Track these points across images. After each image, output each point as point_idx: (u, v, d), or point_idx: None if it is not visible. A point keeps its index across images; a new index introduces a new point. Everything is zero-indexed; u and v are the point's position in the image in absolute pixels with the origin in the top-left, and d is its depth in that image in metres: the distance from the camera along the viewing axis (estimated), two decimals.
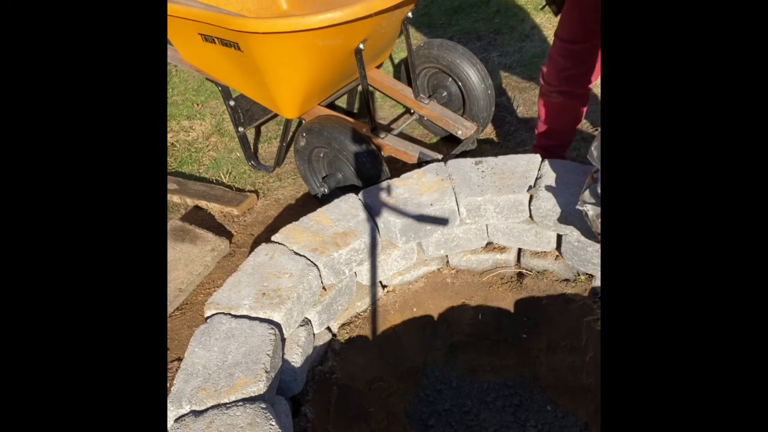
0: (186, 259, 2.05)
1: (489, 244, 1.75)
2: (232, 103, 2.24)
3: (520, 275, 1.74)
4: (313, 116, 2.16)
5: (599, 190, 1.36)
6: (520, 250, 1.74)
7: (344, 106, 2.69)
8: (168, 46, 2.25)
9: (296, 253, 1.54)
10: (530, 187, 1.58)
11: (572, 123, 1.98)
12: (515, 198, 1.57)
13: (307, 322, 1.54)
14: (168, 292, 1.94)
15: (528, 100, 2.77)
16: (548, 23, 3.30)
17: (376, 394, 1.62)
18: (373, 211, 1.63)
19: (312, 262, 1.51)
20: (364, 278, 1.67)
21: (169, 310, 1.94)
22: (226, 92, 2.23)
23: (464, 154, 2.15)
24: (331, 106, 2.33)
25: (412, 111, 2.40)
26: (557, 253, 1.68)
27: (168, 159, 2.72)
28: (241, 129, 2.33)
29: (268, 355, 1.28)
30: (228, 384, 1.23)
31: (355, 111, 2.73)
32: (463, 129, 2.24)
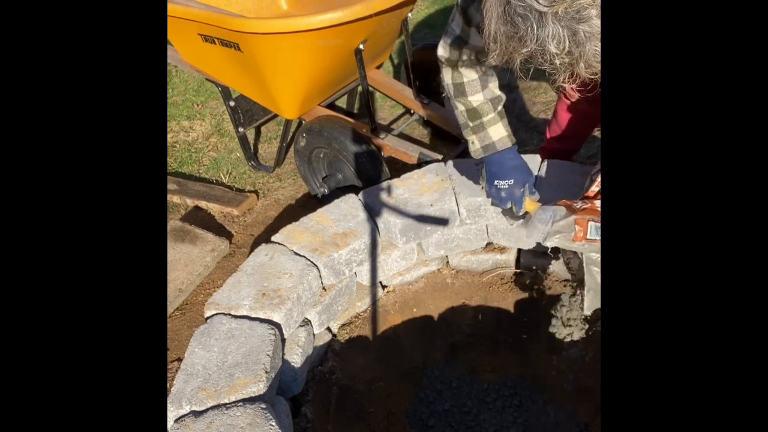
0: (186, 260, 2.05)
1: (489, 244, 1.75)
2: (232, 103, 2.24)
3: (520, 275, 1.74)
4: (313, 116, 2.16)
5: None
6: (520, 250, 1.74)
7: (344, 106, 2.69)
8: (168, 46, 2.25)
9: (296, 254, 1.54)
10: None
11: (591, 128, 1.95)
12: None
13: (307, 322, 1.54)
14: (168, 293, 1.94)
15: (528, 101, 2.78)
16: None
17: (376, 394, 1.62)
18: (373, 211, 1.63)
19: (312, 262, 1.51)
20: (364, 278, 1.67)
21: (169, 310, 1.94)
22: (226, 92, 2.23)
23: (464, 154, 2.15)
24: (331, 106, 2.33)
25: (412, 111, 2.40)
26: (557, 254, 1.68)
27: (168, 159, 2.72)
28: (241, 129, 2.33)
29: (268, 355, 1.28)
30: (228, 384, 1.23)
31: (355, 111, 2.73)
32: None
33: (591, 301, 1.36)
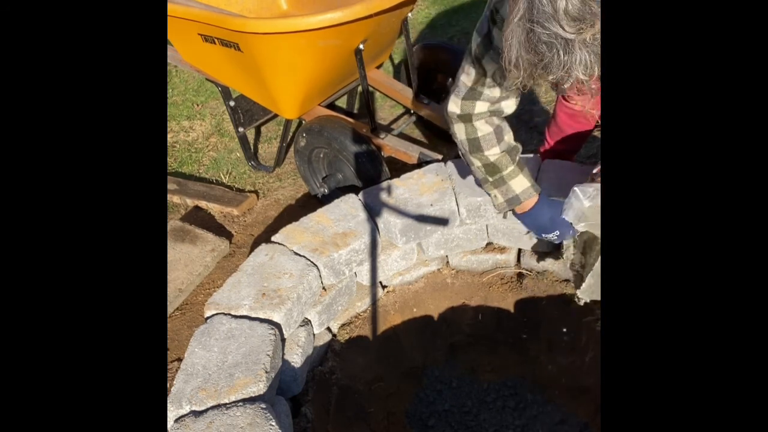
0: (186, 260, 2.05)
1: (489, 244, 1.75)
2: (232, 103, 2.25)
3: (520, 275, 1.74)
4: (313, 116, 2.16)
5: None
6: (520, 250, 1.74)
7: (344, 106, 2.69)
8: (168, 46, 2.25)
9: (296, 254, 1.54)
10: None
11: (591, 128, 1.95)
12: None
13: (307, 322, 1.54)
14: (168, 293, 1.94)
15: (528, 100, 2.77)
16: None
17: (376, 394, 1.62)
18: (373, 211, 1.63)
19: (312, 262, 1.51)
20: (364, 278, 1.67)
21: (169, 310, 1.94)
22: (226, 92, 2.23)
23: None
24: (331, 106, 2.33)
25: (412, 111, 2.40)
26: (557, 253, 1.68)
27: (168, 159, 2.73)
28: (241, 129, 2.33)
29: (268, 355, 1.28)
30: (228, 384, 1.23)
31: (355, 111, 2.73)
32: None
33: (590, 285, 1.36)
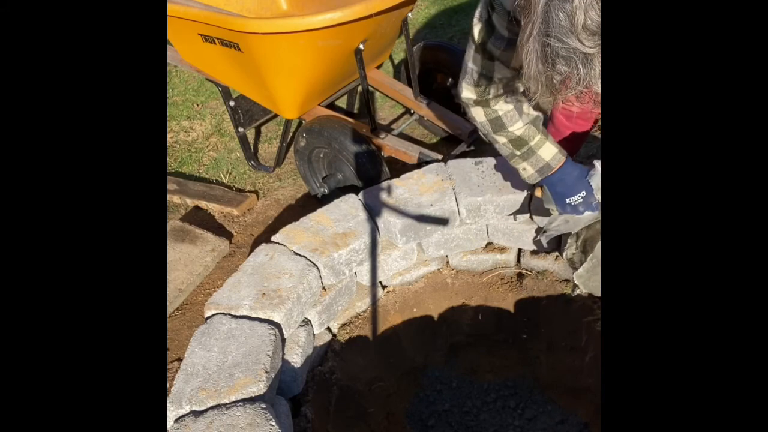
0: (186, 260, 2.05)
1: (489, 244, 1.75)
2: (232, 103, 2.25)
3: (520, 275, 1.74)
4: (313, 116, 2.16)
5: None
6: (520, 250, 1.74)
7: (344, 106, 2.69)
8: (168, 46, 2.25)
9: (296, 254, 1.54)
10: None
11: (590, 128, 1.95)
12: (515, 198, 1.57)
13: (307, 322, 1.54)
14: (168, 293, 1.94)
15: None
16: None
17: (376, 394, 1.62)
18: (373, 211, 1.63)
19: (312, 262, 1.51)
20: (364, 278, 1.67)
21: (169, 310, 1.94)
22: (226, 92, 2.23)
23: (464, 155, 2.15)
24: (331, 106, 2.33)
25: (412, 111, 2.40)
26: (557, 254, 1.68)
27: (168, 159, 2.72)
28: (241, 129, 2.33)
29: (268, 355, 1.28)
30: (228, 384, 1.23)
31: (355, 111, 2.73)
32: (463, 129, 2.24)
33: (587, 269, 1.35)
